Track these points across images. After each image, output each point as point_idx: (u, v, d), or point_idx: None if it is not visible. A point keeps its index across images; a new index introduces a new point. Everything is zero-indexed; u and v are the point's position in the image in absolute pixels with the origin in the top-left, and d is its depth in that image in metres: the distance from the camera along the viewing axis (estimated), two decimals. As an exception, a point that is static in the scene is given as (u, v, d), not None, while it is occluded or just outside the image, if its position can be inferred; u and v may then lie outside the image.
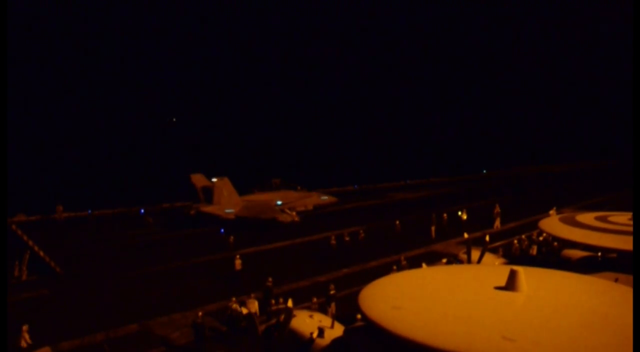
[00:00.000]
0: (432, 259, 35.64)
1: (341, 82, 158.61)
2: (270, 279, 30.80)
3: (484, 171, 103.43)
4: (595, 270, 24.05)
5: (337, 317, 22.69)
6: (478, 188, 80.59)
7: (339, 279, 33.28)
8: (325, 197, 63.56)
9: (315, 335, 20.40)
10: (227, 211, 53.81)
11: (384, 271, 26.69)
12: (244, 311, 26.39)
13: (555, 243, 33.91)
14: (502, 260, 30.95)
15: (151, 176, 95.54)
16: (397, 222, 47.92)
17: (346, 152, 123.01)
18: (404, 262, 33.80)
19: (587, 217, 29.46)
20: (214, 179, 54.58)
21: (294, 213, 55.15)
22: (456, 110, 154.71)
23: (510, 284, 14.20)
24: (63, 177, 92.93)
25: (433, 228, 46.49)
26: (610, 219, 28.56)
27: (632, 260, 24.27)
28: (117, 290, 33.33)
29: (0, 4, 20.88)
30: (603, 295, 15.17)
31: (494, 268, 21.65)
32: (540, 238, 38.41)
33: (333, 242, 41.61)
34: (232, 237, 42.88)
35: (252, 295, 29.20)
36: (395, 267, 31.51)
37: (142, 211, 56.65)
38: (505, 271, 14.69)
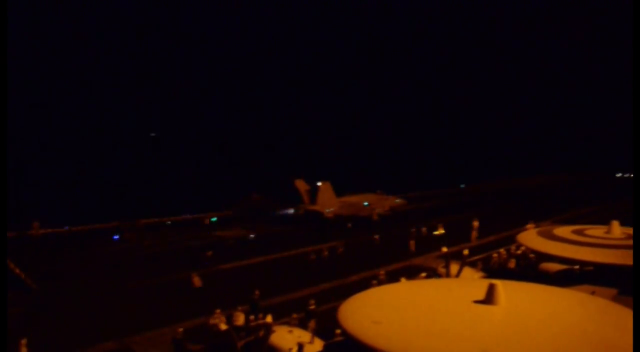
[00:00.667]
0: (412, 273, 35.66)
1: (311, 94, 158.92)
2: (257, 292, 30.88)
3: (462, 186, 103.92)
4: (572, 283, 24.18)
5: (316, 333, 22.65)
6: (456, 202, 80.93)
7: (319, 294, 33.20)
8: (398, 200, 71.29)
9: (294, 351, 20.35)
10: (327, 210, 62.60)
11: (364, 285, 26.68)
12: (223, 327, 26.37)
13: (533, 256, 34.13)
14: (480, 274, 31.10)
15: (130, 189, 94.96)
16: (377, 236, 47.94)
17: (325, 168, 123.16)
18: (382, 277, 33.80)
19: (565, 231, 29.67)
20: (319, 183, 63.89)
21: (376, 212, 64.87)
22: (433, 125, 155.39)
23: (489, 298, 14.25)
24: (42, 192, 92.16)
25: (412, 242, 46.55)
26: (587, 232, 28.78)
27: (608, 273, 24.52)
28: (95, 306, 32.98)
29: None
30: (581, 308, 15.29)
31: (472, 282, 21.76)
32: (519, 251, 38.60)
33: (313, 257, 41.58)
34: (210, 252, 42.71)
35: (239, 308, 29.21)
36: (375, 282, 31.52)
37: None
38: (484, 284, 14.74)
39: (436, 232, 48.98)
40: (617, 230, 27.80)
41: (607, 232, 27.80)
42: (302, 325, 26.98)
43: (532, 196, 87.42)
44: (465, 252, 30.28)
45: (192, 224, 59.69)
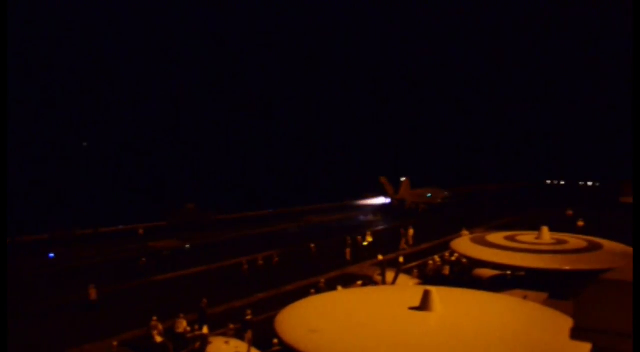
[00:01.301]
0: (348, 282, 35.70)
1: (254, 105, 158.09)
2: (204, 300, 30.42)
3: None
4: (505, 288, 24.63)
5: (253, 343, 22.40)
6: (392, 210, 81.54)
7: (256, 304, 32.91)
8: (446, 193, 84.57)
9: (231, 361, 20.09)
10: (407, 199, 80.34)
11: (301, 294, 26.59)
12: (158, 339, 25.90)
13: (467, 262, 34.65)
14: (416, 280, 31.34)
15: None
16: (313, 245, 47.87)
17: (261, 176, 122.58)
18: (321, 285, 33.77)
19: (497, 237, 30.25)
20: (403, 178, 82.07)
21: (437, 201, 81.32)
22: (370, 134, 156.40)
23: (424, 304, 14.38)
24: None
25: (348, 251, 46.62)
26: (519, 238, 29.39)
27: (539, 277, 25.07)
28: (26, 320, 31.95)
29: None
30: (513, 312, 15.57)
31: (408, 289, 21.93)
32: (453, 258, 39.10)
33: (245, 267, 41.35)
34: (143, 260, 42.04)
35: (181, 315, 28.61)
36: (313, 291, 31.42)
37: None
38: (419, 291, 14.88)
39: (365, 243, 49.50)
40: (547, 236, 28.52)
41: (538, 238, 28.47)
42: (239, 336, 26.71)
43: (467, 204, 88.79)
44: (401, 259, 30.52)
45: (125, 235, 58.63)
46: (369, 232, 50.87)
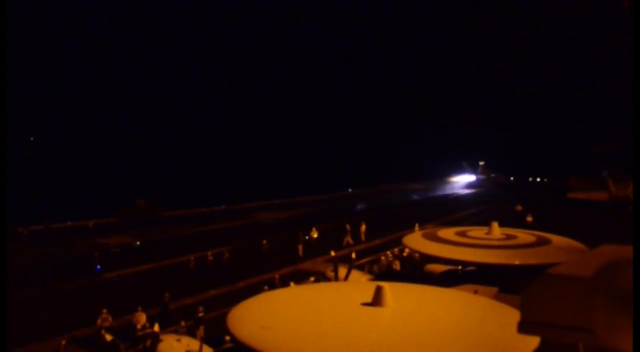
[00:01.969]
0: (300, 278, 35.72)
1: (205, 100, 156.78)
2: (167, 295, 30.54)
3: (350, 190, 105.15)
4: (456, 283, 24.84)
5: (205, 340, 22.27)
6: (343, 206, 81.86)
7: (207, 301, 32.73)
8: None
9: (182, 359, 19.93)
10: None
11: (253, 291, 26.51)
12: (108, 337, 25.53)
13: (419, 258, 34.96)
14: (368, 276, 31.47)
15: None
16: (264, 241, 47.78)
17: (212, 173, 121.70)
18: (276, 281, 33.75)
19: (448, 233, 30.49)
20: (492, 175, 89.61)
21: None
22: (320, 129, 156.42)
23: (376, 300, 14.40)
24: None
25: (300, 247, 46.66)
26: (469, 233, 29.67)
27: (489, 272, 25.40)
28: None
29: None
30: (464, 307, 15.73)
31: (360, 285, 21.99)
32: (404, 254, 39.38)
33: (192, 265, 41.18)
34: (96, 255, 41.47)
35: (139, 308, 28.40)
36: (266, 287, 31.33)
37: None
38: (371, 287, 14.90)
39: (307, 237, 49.65)
40: (497, 231, 28.84)
41: (488, 234, 28.79)
42: (191, 333, 26.56)
43: (419, 200, 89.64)
44: (353, 255, 30.64)
45: (74, 230, 57.77)
46: (314, 228, 50.92)
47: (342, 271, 27.87)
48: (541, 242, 27.44)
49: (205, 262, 42.04)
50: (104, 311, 28.14)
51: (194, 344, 22.15)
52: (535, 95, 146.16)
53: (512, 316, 10.56)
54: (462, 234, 29.80)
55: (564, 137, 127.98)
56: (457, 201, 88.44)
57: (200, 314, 27.89)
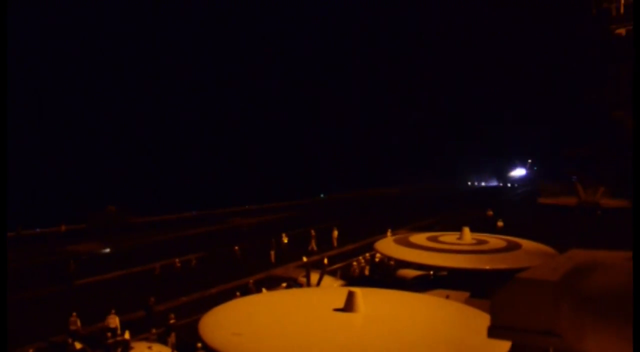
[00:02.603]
0: (272, 284, 35.61)
1: (178, 105, 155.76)
2: (152, 299, 30.56)
3: (322, 195, 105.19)
4: (428, 288, 24.96)
5: (177, 347, 22.16)
6: (316, 212, 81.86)
7: (179, 308, 32.50)
8: None
9: (153, 367, 19.76)
10: None
11: (225, 297, 26.37)
12: (77, 346, 25.22)
13: (392, 263, 35.06)
14: (340, 282, 31.49)
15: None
16: (236, 247, 47.59)
17: (183, 178, 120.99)
18: (251, 285, 33.67)
19: (420, 238, 30.65)
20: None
21: None
22: (293, 134, 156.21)
23: (349, 306, 14.42)
24: None
25: (272, 253, 46.55)
26: (441, 239, 29.86)
27: (461, 277, 25.58)
28: None
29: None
30: (435, 311, 15.82)
31: (332, 290, 22.00)
32: (377, 259, 39.45)
33: (157, 272, 40.92)
34: (72, 264, 40.93)
35: (112, 311, 28.42)
36: (238, 293, 31.20)
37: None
38: (343, 292, 14.91)
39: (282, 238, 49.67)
40: (468, 236, 29.10)
41: (459, 239, 29.01)
42: (162, 340, 26.35)
43: (392, 205, 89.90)
44: (325, 261, 30.64)
45: (45, 237, 57.07)
46: (284, 234, 50.86)
47: (315, 277, 27.86)
48: (512, 247, 27.71)
49: (176, 269, 41.73)
50: (74, 314, 27.93)
51: (166, 351, 22.01)
52: (508, 100, 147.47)
53: (484, 320, 10.63)
54: (434, 239, 29.97)
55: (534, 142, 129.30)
56: (430, 205, 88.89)
57: (172, 321, 27.66)
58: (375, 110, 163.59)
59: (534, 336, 5.09)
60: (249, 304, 17.23)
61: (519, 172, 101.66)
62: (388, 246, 29.80)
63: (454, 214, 71.47)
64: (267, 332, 13.63)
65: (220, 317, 14.95)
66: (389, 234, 44.51)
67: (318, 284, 27.35)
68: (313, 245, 50.91)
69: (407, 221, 65.22)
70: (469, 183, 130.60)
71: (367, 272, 37.72)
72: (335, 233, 53.28)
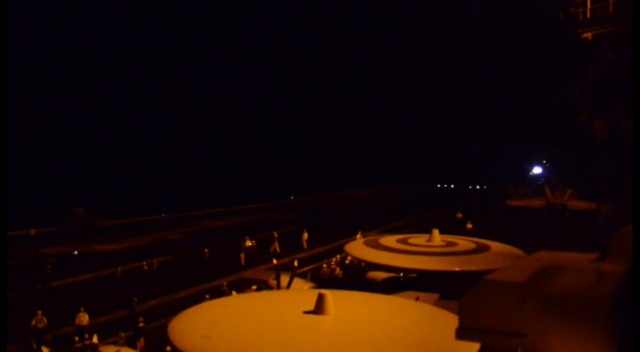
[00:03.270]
0: (243, 287, 35.49)
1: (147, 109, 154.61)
2: (135, 299, 30.84)
3: (292, 198, 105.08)
4: (398, 290, 25.09)
5: (146, 351, 21.95)
6: (286, 215, 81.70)
7: (148, 311, 32.23)
8: None
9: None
10: None
11: (194, 301, 26.22)
12: (45, 351, 24.94)
13: (362, 265, 35.11)
14: (311, 284, 31.48)
15: None
16: (206, 250, 47.37)
17: (152, 181, 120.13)
18: (224, 288, 33.56)
19: (390, 240, 30.79)
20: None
21: None
22: (263, 137, 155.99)
23: (319, 308, 14.44)
24: None
25: (242, 255, 46.38)
26: (411, 241, 30.02)
27: (431, 279, 25.72)
28: None
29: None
30: (406, 313, 15.91)
31: (303, 293, 21.99)
32: (347, 261, 39.48)
33: (123, 276, 40.63)
34: (49, 268, 40.32)
35: (82, 309, 28.53)
36: (207, 297, 31.04)
37: None
38: (313, 295, 14.93)
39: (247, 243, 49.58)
40: (438, 238, 29.30)
41: (429, 241, 29.19)
42: (131, 344, 26.16)
43: (363, 207, 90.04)
44: (296, 263, 30.64)
45: (12, 240, 56.28)
46: (247, 237, 50.76)
47: (285, 280, 27.86)
48: (481, 249, 27.96)
49: (145, 272, 41.41)
50: (39, 313, 27.71)
51: (135, 355, 21.88)
52: (477, 103, 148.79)
53: (453, 322, 10.73)
54: (404, 241, 30.12)
55: (503, 145, 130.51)
56: (399, 208, 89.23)
57: (141, 325, 27.46)
58: (349, 113, 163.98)
59: (500, 337, 5.13)
60: (219, 307, 17.17)
61: (537, 170, 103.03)
62: (358, 249, 29.91)
63: (423, 217, 71.88)
64: (237, 335, 13.60)
65: (190, 321, 14.88)
66: (359, 236, 44.58)
67: (288, 286, 27.36)
68: (276, 247, 50.83)
69: (378, 223, 65.42)
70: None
71: (337, 274, 37.74)
72: (306, 236, 53.23)
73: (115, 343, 25.44)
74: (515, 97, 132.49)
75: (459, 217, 65.05)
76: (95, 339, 24.04)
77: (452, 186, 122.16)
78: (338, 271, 38.39)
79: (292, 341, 13.17)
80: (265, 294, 24.07)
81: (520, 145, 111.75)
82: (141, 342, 26.86)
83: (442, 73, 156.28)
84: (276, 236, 51.81)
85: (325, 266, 39.60)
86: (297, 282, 28.89)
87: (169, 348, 19.53)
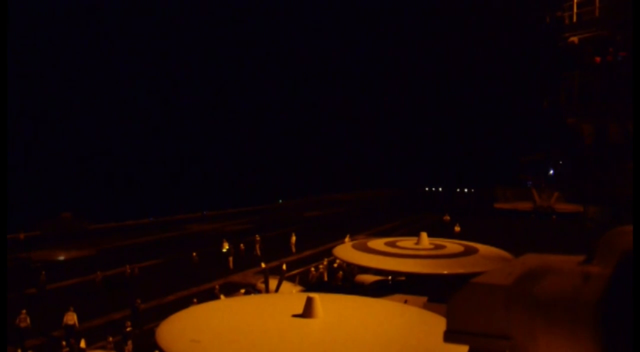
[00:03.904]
0: (231, 290, 35.45)
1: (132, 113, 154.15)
2: (138, 300, 31.04)
3: (280, 201, 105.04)
4: (386, 293, 25.08)
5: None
6: (274, 218, 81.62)
7: (136, 315, 32.11)
8: None
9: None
10: None
11: (182, 304, 26.14)
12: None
13: (350, 268, 35.15)
14: (299, 288, 31.45)
15: None
16: (194, 254, 47.28)
17: (140, 184, 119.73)
18: (217, 290, 33.55)
19: (378, 243, 30.78)
20: None
21: None
22: (249, 140, 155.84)
23: (307, 312, 14.41)
24: None
25: (231, 259, 46.33)
26: (399, 244, 30.02)
27: (419, 282, 25.77)
28: None
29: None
30: (394, 316, 15.91)
31: (291, 296, 21.94)
32: (335, 264, 39.51)
33: (98, 280, 40.39)
34: (43, 273, 40.02)
35: (71, 308, 28.65)
36: (195, 300, 30.97)
37: None
38: (302, 298, 14.91)
39: (224, 249, 49.55)
40: (426, 241, 29.30)
41: (417, 244, 29.20)
42: (119, 348, 26.09)
43: (351, 210, 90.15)
44: (284, 267, 30.62)
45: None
46: (224, 240, 50.71)
47: (273, 283, 27.82)
48: (469, 252, 27.99)
49: (134, 276, 41.24)
50: (23, 312, 27.67)
51: (122, 359, 21.81)
52: (464, 107, 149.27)
53: (441, 324, 10.77)
54: (392, 244, 30.12)
55: (491, 148, 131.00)
56: (387, 211, 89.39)
57: (128, 329, 27.38)
58: (336, 116, 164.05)
59: (488, 340, 5.16)
60: (207, 310, 17.11)
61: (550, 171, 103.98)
62: (346, 252, 29.87)
63: (411, 219, 72.06)
64: (225, 338, 13.56)
65: (178, 325, 14.81)
66: (347, 239, 44.61)
67: (277, 290, 27.31)
68: (257, 250, 50.84)
69: (366, 226, 65.51)
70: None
71: (325, 277, 37.78)
72: (294, 239, 53.25)
73: (103, 347, 25.35)
74: (503, 100, 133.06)
75: (446, 220, 65.28)
76: (82, 344, 23.93)
77: (440, 189, 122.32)
78: (326, 274, 38.43)
79: (280, 345, 13.15)
80: (253, 298, 23.98)
81: (508, 148, 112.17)
82: (129, 346, 26.78)
83: (430, 75, 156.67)
84: (258, 238, 51.86)
85: (313, 269, 39.63)
86: (286, 286, 28.85)
87: (157, 352, 19.49)
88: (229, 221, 78.39)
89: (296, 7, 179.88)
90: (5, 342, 13.55)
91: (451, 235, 42.81)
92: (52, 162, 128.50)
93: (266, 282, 28.00)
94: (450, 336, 5.50)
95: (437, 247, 29.17)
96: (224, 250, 48.79)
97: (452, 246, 29.73)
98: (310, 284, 35.36)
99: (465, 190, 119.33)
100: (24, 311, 28.34)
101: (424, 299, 22.65)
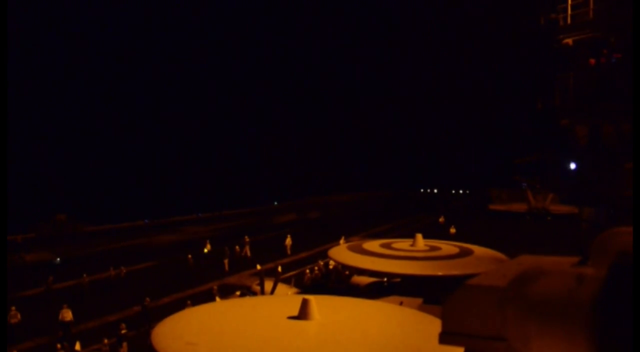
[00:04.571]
0: (226, 292, 35.40)
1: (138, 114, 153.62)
2: (147, 299, 31.56)
3: (275, 203, 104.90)
4: (381, 295, 25.09)
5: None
6: (270, 219, 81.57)
7: (131, 318, 32.09)
8: None
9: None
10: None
11: (178, 307, 26.10)
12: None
13: (346, 270, 35.16)
14: (294, 290, 31.43)
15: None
16: (190, 256, 47.21)
17: (135, 186, 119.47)
18: (214, 291, 33.55)
19: (373, 245, 30.80)
20: None
21: None
22: (244, 142, 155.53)
23: (303, 313, 14.42)
24: None
25: (226, 261, 46.28)
26: (394, 245, 30.04)
27: (414, 283, 25.78)
28: None
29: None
30: (389, 318, 15.93)
31: (286, 298, 21.95)
32: (330, 266, 39.50)
33: (88, 283, 40.31)
34: (51, 278, 39.90)
35: (65, 305, 29.04)
36: (189, 302, 30.96)
37: None
38: (297, 300, 14.92)
39: (205, 250, 49.57)
40: (421, 242, 29.33)
41: (412, 245, 29.23)
42: (114, 351, 26.05)
43: (346, 212, 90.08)
44: (279, 268, 30.60)
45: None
46: (207, 241, 50.66)
47: (268, 285, 27.80)
48: (464, 253, 28.04)
49: (129, 278, 41.19)
50: (12, 308, 27.73)
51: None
52: (459, 108, 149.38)
53: (436, 326, 10.78)
54: (387, 246, 30.14)
55: (485, 150, 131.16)
56: (383, 212, 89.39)
57: (123, 331, 27.34)
58: (332, 117, 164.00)
59: (483, 342, 5.17)
60: (203, 313, 17.10)
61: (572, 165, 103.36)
62: (342, 254, 29.88)
63: (406, 221, 72.10)
64: (221, 341, 13.56)
65: (174, 327, 14.80)
66: (342, 241, 44.61)
67: (272, 292, 27.30)
68: (247, 251, 50.81)
69: (361, 228, 65.48)
70: None
71: (321, 279, 37.75)
72: (289, 241, 53.21)
73: (98, 350, 25.33)
74: (498, 102, 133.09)
75: (441, 222, 65.34)
76: (77, 346, 23.92)
77: (435, 191, 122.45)
78: (322, 276, 38.41)
79: (276, 347, 13.17)
80: (248, 300, 23.97)
81: (503, 150, 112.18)
82: (124, 349, 26.75)
83: (425, 77, 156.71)
84: (247, 240, 51.84)
85: (308, 271, 39.62)
86: (281, 288, 28.84)
87: (152, 355, 19.47)
88: (225, 222, 78.30)
89: (296, 7, 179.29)
90: (5, 342, 13.56)
91: (446, 237, 42.86)
92: (47, 164, 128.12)
93: (262, 284, 27.98)
94: (445, 337, 5.51)
95: (433, 248, 29.20)
96: (205, 251, 48.96)
97: (447, 247, 29.77)
98: (306, 286, 35.35)
99: (460, 192, 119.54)
100: (13, 308, 28.27)
101: (420, 300, 22.66)
